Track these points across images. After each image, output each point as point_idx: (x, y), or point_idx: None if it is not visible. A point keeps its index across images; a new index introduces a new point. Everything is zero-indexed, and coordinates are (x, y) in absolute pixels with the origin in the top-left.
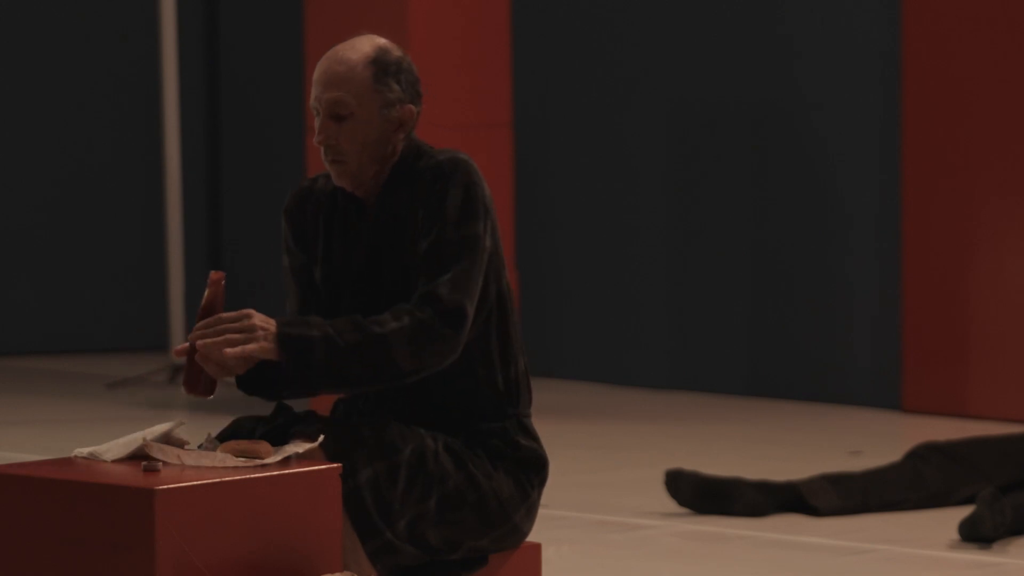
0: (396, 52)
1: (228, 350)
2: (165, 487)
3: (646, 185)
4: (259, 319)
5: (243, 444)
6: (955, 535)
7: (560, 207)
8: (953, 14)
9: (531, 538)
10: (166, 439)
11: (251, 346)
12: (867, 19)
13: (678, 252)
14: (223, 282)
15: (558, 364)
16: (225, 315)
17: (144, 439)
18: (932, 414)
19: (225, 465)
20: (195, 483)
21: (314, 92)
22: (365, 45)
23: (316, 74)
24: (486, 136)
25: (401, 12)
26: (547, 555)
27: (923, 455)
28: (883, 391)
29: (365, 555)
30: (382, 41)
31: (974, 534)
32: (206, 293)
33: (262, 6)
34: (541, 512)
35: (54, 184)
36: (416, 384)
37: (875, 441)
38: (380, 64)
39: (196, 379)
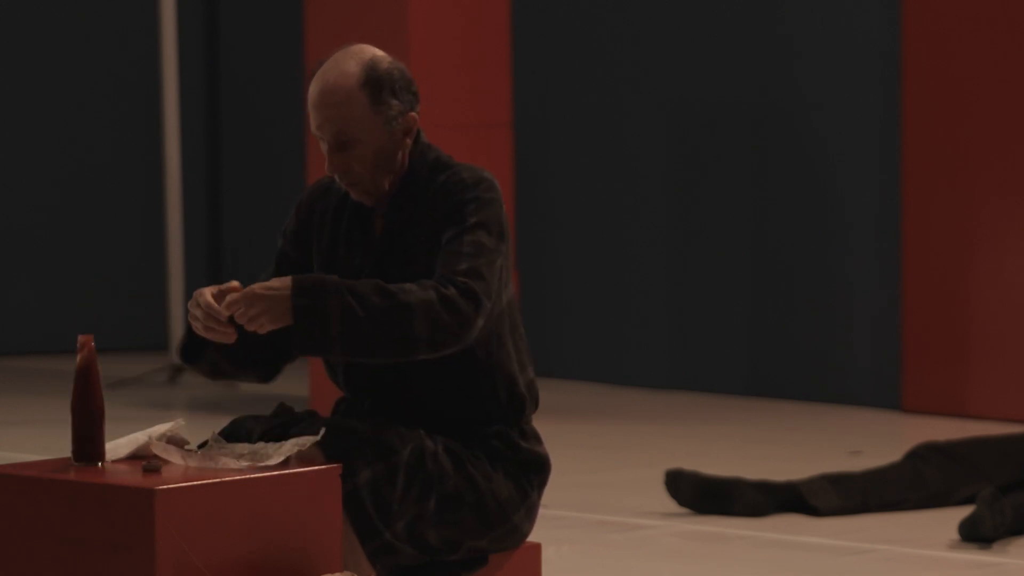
0: (384, 63)
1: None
2: (165, 487)
3: (646, 185)
4: (260, 287)
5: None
6: (955, 535)
7: (560, 207)
8: (953, 14)
9: (531, 538)
10: (167, 439)
11: (261, 324)
12: (867, 19)
13: (678, 252)
14: (92, 344)
15: (558, 364)
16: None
17: (150, 437)
18: (932, 414)
19: (228, 467)
20: (195, 483)
21: (313, 121)
22: (352, 65)
23: (311, 101)
24: (486, 136)
25: (401, 12)
26: (547, 555)
27: (923, 455)
28: (883, 391)
29: (365, 556)
30: (367, 55)
31: (974, 534)
32: (78, 358)
33: (262, 6)
34: (541, 512)
35: (54, 184)
36: (418, 395)
37: (875, 441)
38: (374, 83)
39: (90, 448)
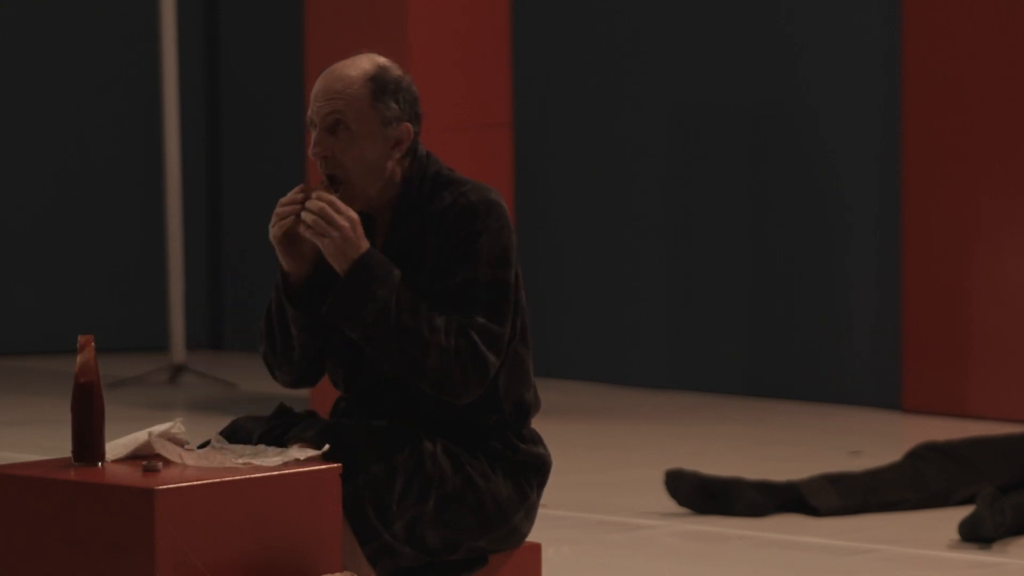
0: (396, 71)
1: (304, 230)
2: (165, 487)
3: (646, 185)
4: (355, 232)
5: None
6: (955, 535)
7: (560, 207)
8: (954, 14)
9: (531, 538)
10: (166, 438)
11: (321, 241)
12: (868, 19)
13: (678, 252)
14: (92, 344)
15: (558, 364)
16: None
17: (150, 435)
18: (932, 414)
19: (225, 465)
20: (195, 483)
21: (312, 107)
22: (364, 63)
23: (315, 90)
24: (486, 136)
25: (401, 12)
26: (547, 555)
27: (923, 455)
28: (883, 391)
29: (364, 557)
30: (382, 60)
31: (974, 534)
32: (78, 358)
33: (262, 6)
34: (541, 512)
35: (54, 184)
36: (423, 408)
37: (875, 441)
38: (379, 82)
39: (90, 448)
